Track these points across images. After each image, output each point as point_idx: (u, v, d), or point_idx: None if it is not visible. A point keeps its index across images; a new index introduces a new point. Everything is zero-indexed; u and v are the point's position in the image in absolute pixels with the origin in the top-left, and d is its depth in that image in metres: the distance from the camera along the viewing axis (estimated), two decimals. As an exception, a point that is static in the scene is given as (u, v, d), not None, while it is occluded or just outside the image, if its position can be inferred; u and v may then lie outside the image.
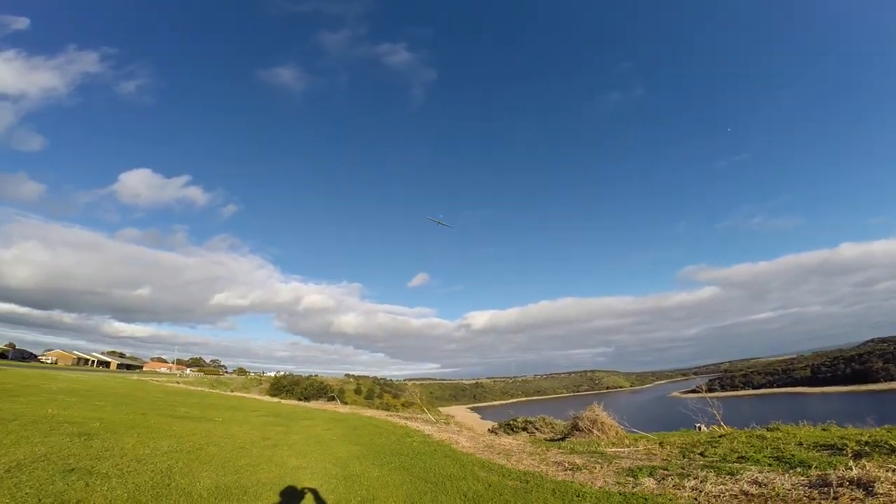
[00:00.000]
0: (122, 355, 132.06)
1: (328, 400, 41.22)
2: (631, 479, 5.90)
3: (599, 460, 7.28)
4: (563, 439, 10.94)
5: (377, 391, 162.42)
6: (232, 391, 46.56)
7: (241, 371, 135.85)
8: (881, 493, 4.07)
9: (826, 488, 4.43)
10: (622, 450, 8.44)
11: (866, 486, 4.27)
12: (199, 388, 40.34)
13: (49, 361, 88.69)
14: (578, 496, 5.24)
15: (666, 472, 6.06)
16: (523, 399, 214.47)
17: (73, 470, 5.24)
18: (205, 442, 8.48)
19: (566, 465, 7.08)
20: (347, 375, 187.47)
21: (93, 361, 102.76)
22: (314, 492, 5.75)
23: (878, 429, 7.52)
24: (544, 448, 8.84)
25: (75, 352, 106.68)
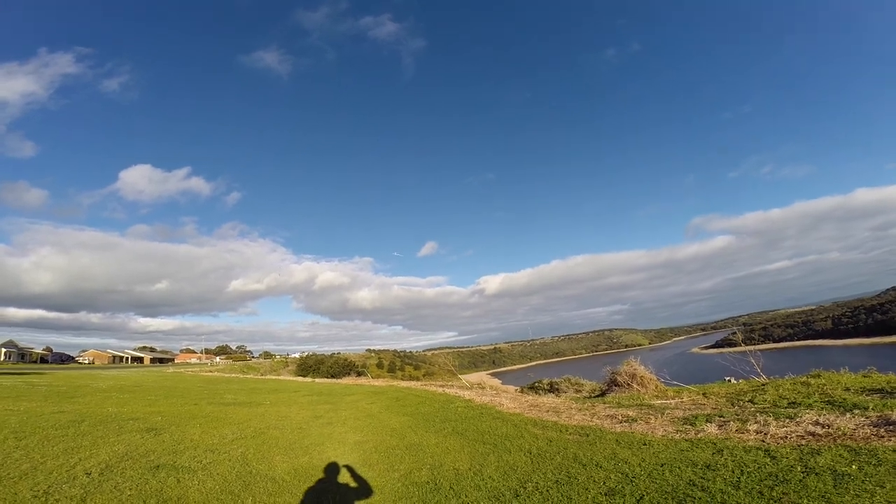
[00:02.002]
0: (153, 350, 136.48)
1: (357, 376, 42.26)
2: (689, 426, 6.02)
3: (651, 412, 7.42)
4: (602, 395, 11.15)
5: (398, 364, 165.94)
6: (263, 375, 48.01)
7: (268, 354, 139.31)
8: None
9: (891, 426, 4.50)
10: (668, 401, 8.58)
11: None
12: (233, 375, 41.57)
13: (86, 362, 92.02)
14: (645, 444, 5.36)
15: (722, 418, 6.16)
16: (542, 362, 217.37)
17: (158, 467, 5.45)
18: (264, 426, 8.79)
19: (619, 417, 7.25)
20: (368, 350, 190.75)
21: (127, 358, 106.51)
22: (385, 465, 5.98)
23: None
24: (590, 404, 9.03)
25: (109, 350, 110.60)
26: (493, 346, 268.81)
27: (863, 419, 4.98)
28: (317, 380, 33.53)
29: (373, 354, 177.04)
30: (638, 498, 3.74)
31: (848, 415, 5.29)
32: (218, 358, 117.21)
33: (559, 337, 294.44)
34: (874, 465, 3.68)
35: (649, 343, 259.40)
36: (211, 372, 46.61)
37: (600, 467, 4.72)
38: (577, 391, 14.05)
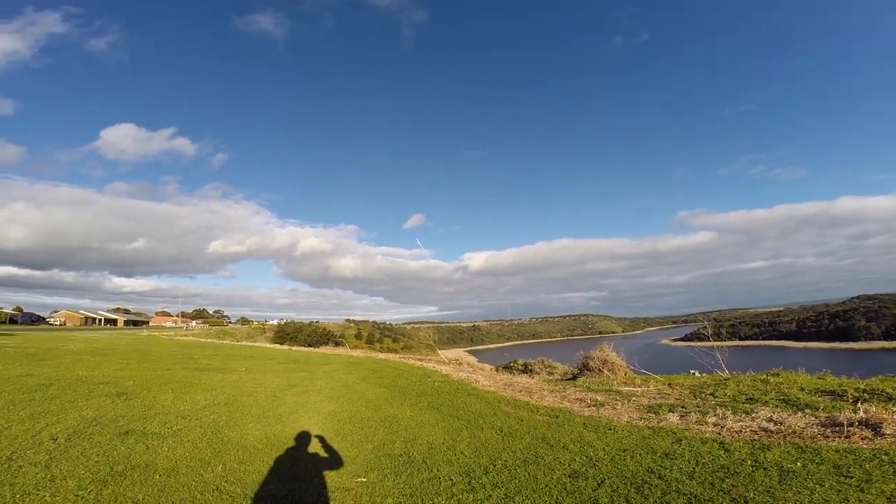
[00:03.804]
0: (127, 311, 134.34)
1: (335, 345, 42.55)
2: (653, 415, 6.30)
3: (618, 398, 7.73)
4: (574, 378, 11.51)
5: (377, 335, 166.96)
6: (239, 341, 47.84)
7: (245, 320, 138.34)
8: (888, 434, 4.43)
9: (837, 427, 4.78)
10: (635, 389, 8.92)
11: (874, 426, 4.62)
12: (209, 340, 41.31)
13: (58, 323, 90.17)
14: (610, 429, 5.61)
15: (684, 409, 6.46)
16: (518, 343, 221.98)
17: (127, 433, 5.43)
18: (238, 393, 8.83)
19: (588, 401, 7.53)
20: (348, 320, 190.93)
21: (100, 320, 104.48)
22: (358, 435, 6.10)
23: (872, 379, 7.95)
24: (562, 387, 9.33)
25: (81, 311, 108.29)
26: (472, 324, 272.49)
27: (812, 419, 5.28)
28: (294, 348, 33.62)
29: (352, 325, 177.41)
30: (599, 481, 3.94)
31: (799, 413, 5.59)
32: (194, 322, 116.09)
33: (537, 319, 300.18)
34: (817, 463, 3.92)
35: (623, 331, 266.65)
36: (186, 336, 46.18)
37: (567, 449, 4.93)
38: (550, 373, 14.44)
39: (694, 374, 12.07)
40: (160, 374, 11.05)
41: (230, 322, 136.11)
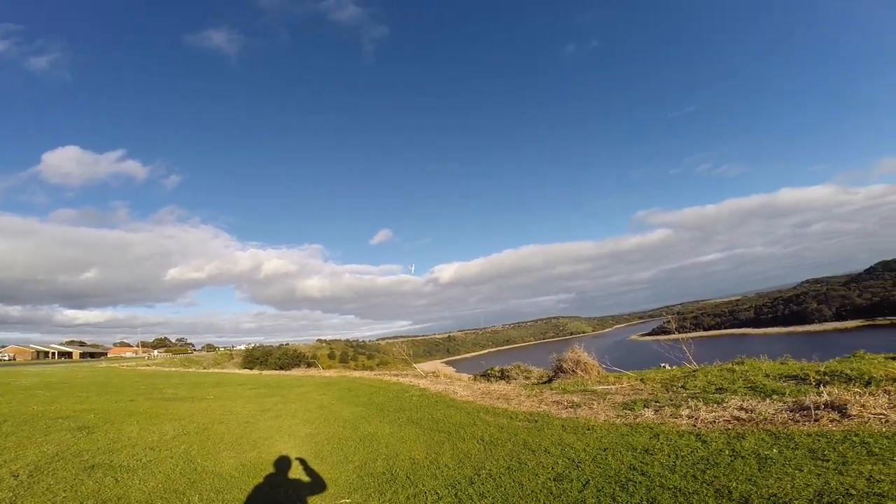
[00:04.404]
0: (82, 343, 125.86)
1: (307, 367, 41.33)
2: (629, 411, 6.42)
3: (594, 397, 7.85)
4: (549, 381, 11.62)
5: (351, 354, 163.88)
6: (206, 368, 45.80)
7: (211, 347, 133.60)
8: (854, 415, 4.63)
9: (805, 411, 4.97)
10: (609, 387, 9.09)
11: (840, 408, 4.83)
12: (173, 369, 39.43)
13: (6, 358, 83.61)
14: (589, 429, 5.67)
15: (658, 404, 6.62)
16: (493, 350, 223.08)
17: (93, 467, 5.14)
18: (208, 421, 8.45)
19: (565, 403, 7.60)
20: (319, 340, 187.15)
21: (53, 353, 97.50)
22: (338, 456, 5.93)
23: (830, 361, 8.24)
24: (538, 390, 9.40)
25: (32, 345, 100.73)
26: (446, 335, 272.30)
27: (781, 404, 5.50)
28: (264, 372, 32.47)
29: (323, 345, 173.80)
30: (584, 483, 3.96)
31: (768, 400, 5.81)
32: (156, 351, 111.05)
33: (510, 325, 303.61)
34: (792, 448, 4.05)
35: (592, 330, 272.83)
36: (148, 366, 43.85)
37: (548, 453, 4.95)
38: (527, 378, 14.54)
39: (664, 367, 12.40)
40: (123, 406, 10.43)
41: (195, 350, 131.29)
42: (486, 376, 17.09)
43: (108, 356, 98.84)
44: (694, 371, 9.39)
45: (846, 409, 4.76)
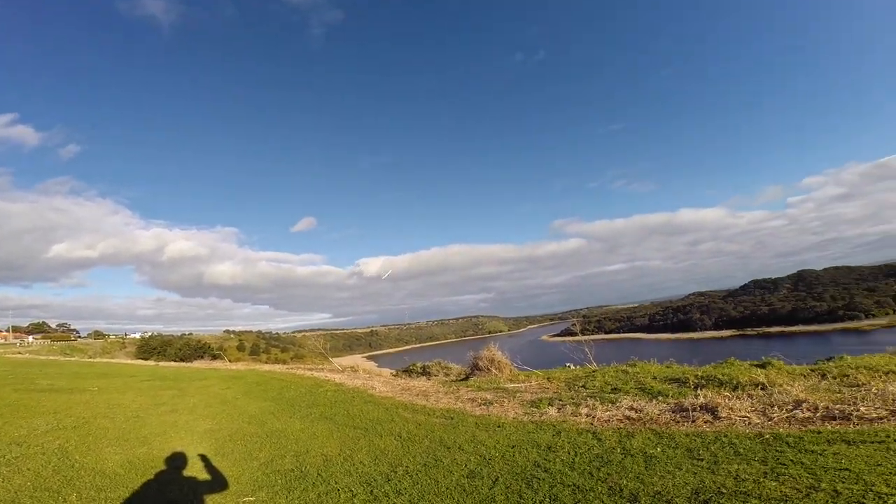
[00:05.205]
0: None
1: (212, 359, 38.36)
2: (535, 409, 6.82)
3: (505, 395, 8.23)
4: (466, 378, 11.97)
5: (263, 346, 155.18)
6: (91, 357, 40.73)
7: (99, 334, 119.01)
8: (724, 417, 5.26)
9: (684, 412, 5.55)
10: (520, 385, 9.59)
11: (712, 410, 5.45)
12: (52, 357, 34.76)
13: None
14: (499, 427, 5.94)
15: (561, 402, 7.09)
16: (417, 346, 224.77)
17: None
18: (90, 415, 7.59)
19: (479, 401, 7.89)
20: (227, 331, 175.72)
21: None
22: (242, 453, 5.62)
23: (706, 366, 9.17)
24: (456, 388, 9.64)
25: None
26: (369, 329, 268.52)
27: (665, 405, 6.11)
28: (161, 363, 29.58)
29: (232, 336, 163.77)
30: (494, 479, 4.15)
31: (654, 401, 6.42)
32: (31, 337, 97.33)
33: (433, 322, 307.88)
34: (673, 447, 4.50)
35: (509, 330, 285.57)
36: (20, 353, 38.07)
37: (462, 450, 5.11)
38: (446, 375, 14.81)
39: (569, 367, 13.32)
40: (-21, 400, 8.97)
41: (80, 337, 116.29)
42: (408, 372, 17.16)
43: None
44: (594, 371, 10.18)
45: (717, 411, 5.43)
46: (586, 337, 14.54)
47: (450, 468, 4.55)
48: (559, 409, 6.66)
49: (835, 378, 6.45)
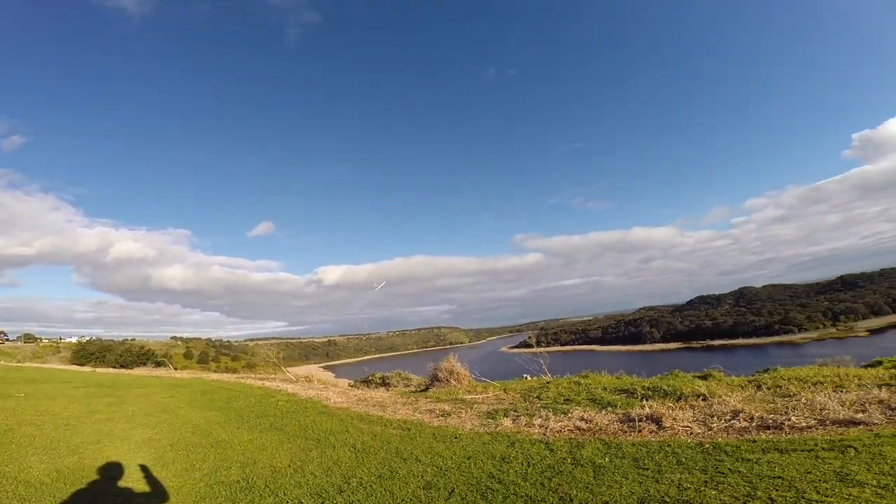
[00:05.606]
0: None
1: (155, 366, 36.15)
2: (491, 420, 6.86)
3: (463, 406, 8.24)
4: (426, 389, 11.90)
5: (212, 354, 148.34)
6: (20, 362, 37.41)
7: (30, 338, 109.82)
8: (668, 427, 5.49)
9: (631, 422, 5.76)
10: (477, 396, 9.63)
11: (657, 420, 5.68)
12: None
13: None
14: (456, 438, 5.93)
15: (516, 413, 7.18)
16: (377, 356, 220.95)
17: None
18: (14, 422, 7.03)
19: (437, 412, 7.86)
20: (174, 338, 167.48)
21: None
22: (184, 463, 5.33)
23: (652, 378, 9.49)
24: (414, 399, 9.55)
25: None
26: (327, 339, 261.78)
27: (613, 416, 6.31)
28: (98, 369, 27.60)
29: (179, 343, 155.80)
30: (450, 491, 4.13)
31: (604, 412, 6.61)
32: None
33: (394, 332, 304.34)
34: (620, 457, 4.63)
35: (469, 341, 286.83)
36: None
37: (419, 461, 5.06)
38: (406, 385, 14.67)
39: (526, 378, 13.52)
40: None
41: (7, 339, 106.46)
42: (366, 382, 16.87)
43: None
44: (548, 383, 10.37)
45: (662, 421, 5.66)
46: (542, 349, 14.84)
47: (405, 479, 4.50)
48: (514, 420, 6.74)
49: (769, 389, 6.86)
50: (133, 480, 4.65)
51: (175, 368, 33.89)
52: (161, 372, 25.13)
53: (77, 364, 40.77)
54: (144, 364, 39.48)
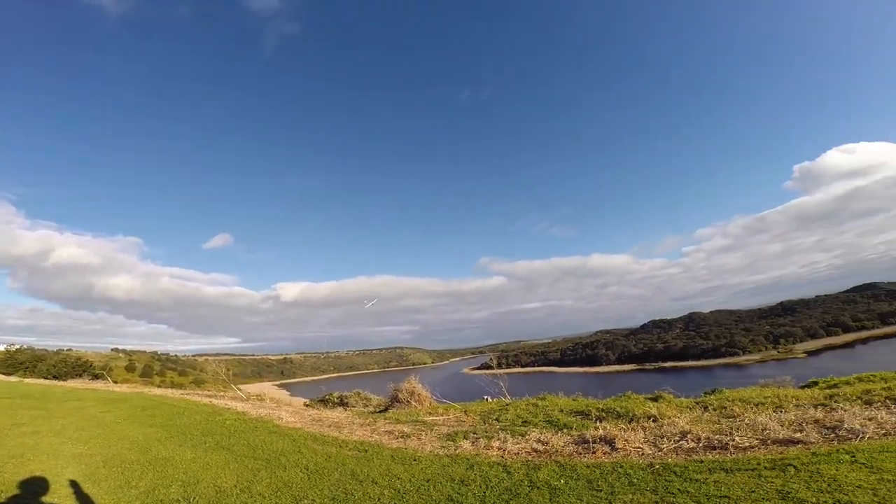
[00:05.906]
0: None
1: (92, 378, 33.62)
2: (451, 442, 6.78)
3: (423, 428, 8.10)
4: (385, 410, 11.64)
5: (157, 368, 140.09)
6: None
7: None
8: (620, 448, 5.60)
9: (585, 444, 5.85)
10: (438, 418, 9.51)
11: (610, 441, 5.79)
12: None
13: None
14: (415, 460, 5.81)
15: (475, 435, 7.13)
16: (335, 375, 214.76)
17: None
18: (-77, 435, 6.28)
19: (396, 433, 7.68)
20: (116, 350, 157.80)
21: None
22: (118, 480, 4.95)
23: (607, 399, 9.69)
24: (372, 419, 9.31)
25: None
26: (283, 356, 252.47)
27: (569, 437, 6.37)
28: (27, 380, 25.36)
29: (121, 355, 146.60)
30: (406, 513, 4.01)
31: (560, 433, 6.66)
32: None
33: (354, 351, 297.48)
34: (575, 479, 4.67)
35: (432, 362, 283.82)
36: None
37: (376, 483, 4.92)
38: (365, 406, 14.31)
39: (486, 399, 13.48)
40: None
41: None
42: (324, 402, 16.35)
43: None
44: (507, 405, 10.38)
45: (615, 442, 5.77)
46: (502, 370, 14.94)
47: (360, 502, 4.36)
48: (473, 442, 6.69)
49: (715, 410, 7.15)
50: (60, 496, 4.30)
51: (115, 382, 31.64)
52: (98, 385, 23.38)
53: (3, 374, 37.30)
54: (80, 376, 36.62)
